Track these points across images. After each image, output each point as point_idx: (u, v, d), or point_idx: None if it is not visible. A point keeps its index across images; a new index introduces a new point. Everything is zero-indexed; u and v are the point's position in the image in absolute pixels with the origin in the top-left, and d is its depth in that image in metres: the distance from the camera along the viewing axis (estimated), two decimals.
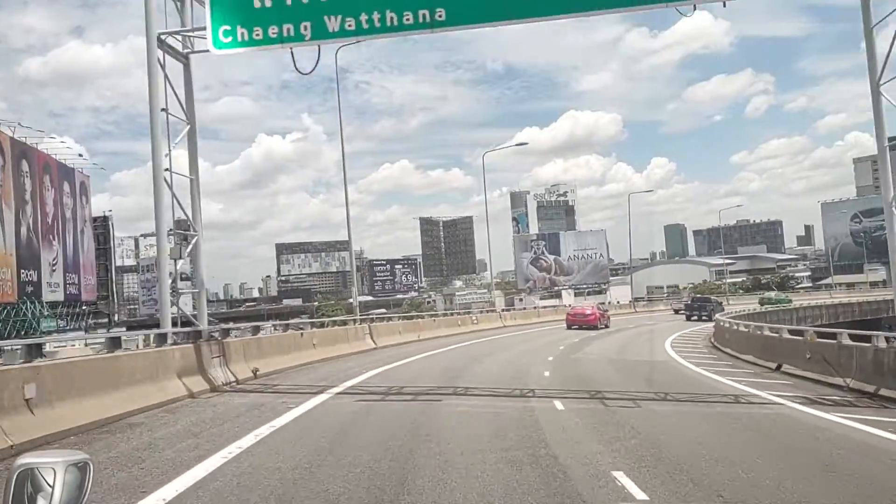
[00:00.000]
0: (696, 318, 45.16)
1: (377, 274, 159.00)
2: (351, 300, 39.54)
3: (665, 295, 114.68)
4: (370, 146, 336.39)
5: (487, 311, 40.18)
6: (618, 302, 74.56)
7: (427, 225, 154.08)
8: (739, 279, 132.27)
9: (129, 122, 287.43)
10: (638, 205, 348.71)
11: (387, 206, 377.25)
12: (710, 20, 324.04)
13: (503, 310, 41.62)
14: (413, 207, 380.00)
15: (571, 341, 29.95)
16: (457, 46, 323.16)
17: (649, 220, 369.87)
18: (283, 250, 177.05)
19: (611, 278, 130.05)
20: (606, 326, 41.06)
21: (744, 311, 41.31)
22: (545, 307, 66.34)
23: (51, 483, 1.68)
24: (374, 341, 26.66)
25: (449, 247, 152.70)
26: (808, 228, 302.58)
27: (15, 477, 1.68)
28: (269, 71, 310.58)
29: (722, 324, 25.92)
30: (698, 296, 60.96)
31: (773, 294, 75.59)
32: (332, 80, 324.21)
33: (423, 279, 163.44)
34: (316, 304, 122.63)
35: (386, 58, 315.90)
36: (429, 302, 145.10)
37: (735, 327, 23.86)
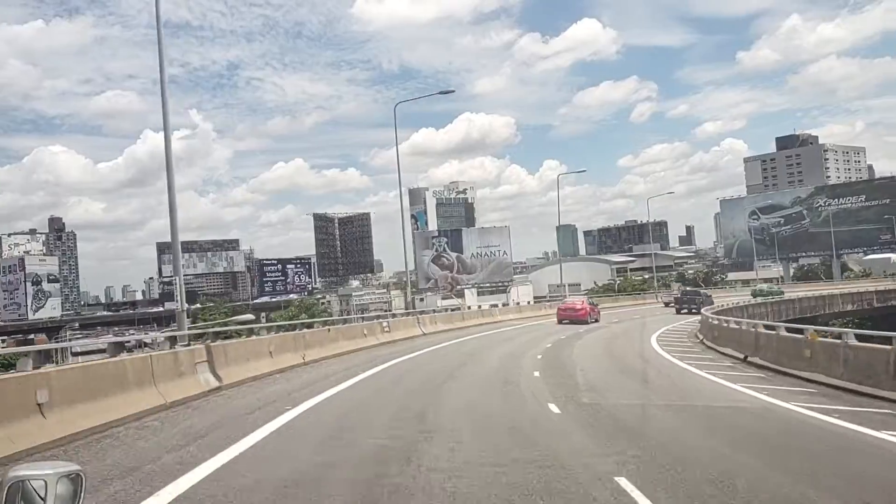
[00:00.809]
0: (685, 311, 44.55)
1: (267, 274, 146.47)
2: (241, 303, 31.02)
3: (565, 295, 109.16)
4: (263, 144, 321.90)
5: (403, 316, 30.51)
6: (528, 302, 67.76)
7: (321, 222, 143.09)
8: (639, 277, 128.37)
9: None
10: (530, 206, 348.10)
11: (281, 206, 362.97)
12: (598, 28, 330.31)
13: (421, 313, 32.28)
14: (308, 207, 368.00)
15: (546, 353, 22.07)
16: (352, 46, 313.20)
17: (539, 221, 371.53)
18: (166, 249, 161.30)
19: (514, 277, 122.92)
20: (596, 321, 40.05)
21: (723, 305, 39.58)
22: (451, 309, 57.75)
23: (43, 496, 1.61)
24: (214, 377, 14.01)
25: (345, 245, 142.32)
26: (688, 229, 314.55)
27: (6, 490, 1.60)
28: (155, 63, 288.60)
29: (710, 320, 24.81)
30: (688, 289, 59.94)
31: (765, 286, 74.80)
32: (223, 76, 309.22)
33: (318, 279, 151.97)
34: (198, 305, 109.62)
35: (279, 55, 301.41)
36: (323, 303, 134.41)
37: (725, 324, 22.69)
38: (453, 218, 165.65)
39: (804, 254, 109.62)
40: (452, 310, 47.53)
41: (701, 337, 25.22)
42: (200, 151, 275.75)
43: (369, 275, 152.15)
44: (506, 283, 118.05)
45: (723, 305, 38.72)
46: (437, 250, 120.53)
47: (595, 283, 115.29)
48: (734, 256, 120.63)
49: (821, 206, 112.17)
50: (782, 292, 65.48)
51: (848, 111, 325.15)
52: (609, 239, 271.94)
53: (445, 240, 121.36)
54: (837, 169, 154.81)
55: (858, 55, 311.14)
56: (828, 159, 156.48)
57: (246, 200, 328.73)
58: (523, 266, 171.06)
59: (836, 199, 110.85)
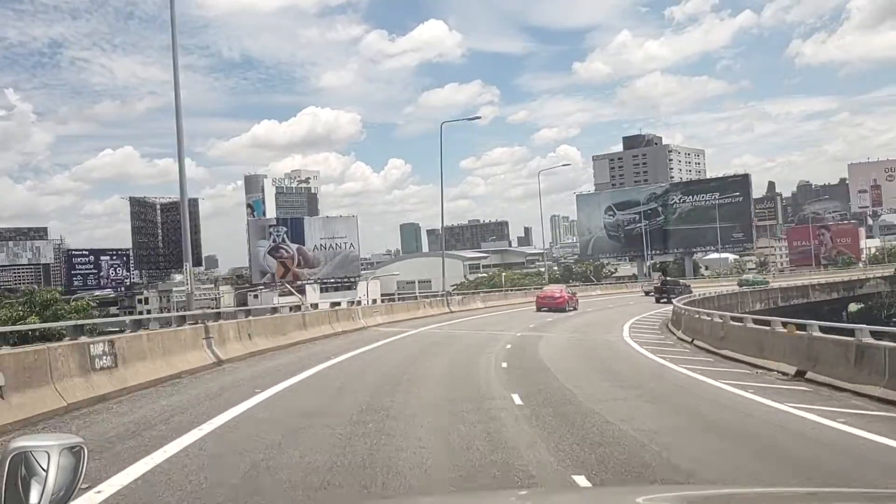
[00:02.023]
0: (665, 300, 43.69)
1: (77, 267, 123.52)
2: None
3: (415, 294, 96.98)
4: (89, 129, 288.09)
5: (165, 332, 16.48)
6: (374, 301, 55.45)
7: (140, 207, 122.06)
8: (485, 273, 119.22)
9: None
10: (374, 204, 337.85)
11: (107, 196, 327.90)
12: (444, 31, 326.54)
13: (274, 310, 19.41)
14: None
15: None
16: (190, 30, 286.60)
17: (383, 219, 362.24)
18: None
19: (362, 272, 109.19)
20: (574, 309, 40.62)
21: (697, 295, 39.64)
22: (291, 307, 43.80)
23: (45, 467, 1.59)
24: None
25: (168, 235, 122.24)
26: (527, 230, 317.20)
27: (9, 460, 1.58)
28: None
29: (679, 310, 24.98)
30: (668, 279, 58.05)
31: (750, 276, 74.96)
32: (44, 54, 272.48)
33: (138, 273, 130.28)
34: None
35: (108, 35, 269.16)
36: (140, 300, 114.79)
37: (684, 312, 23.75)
38: (294, 209, 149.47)
39: (658, 251, 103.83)
40: (292, 308, 33.37)
41: (670, 326, 25.88)
42: (17, 135, 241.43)
43: (198, 268, 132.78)
44: (353, 279, 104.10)
45: (699, 295, 39.06)
46: (274, 240, 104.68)
47: (466, 278, 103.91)
48: (590, 253, 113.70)
49: (675, 202, 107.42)
50: (767, 282, 65.82)
51: (668, 125, 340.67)
52: (452, 238, 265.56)
53: (285, 229, 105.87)
54: (681, 170, 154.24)
55: (679, 73, 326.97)
56: (672, 160, 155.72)
57: (68, 189, 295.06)
58: (368, 262, 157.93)
59: (691, 196, 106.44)
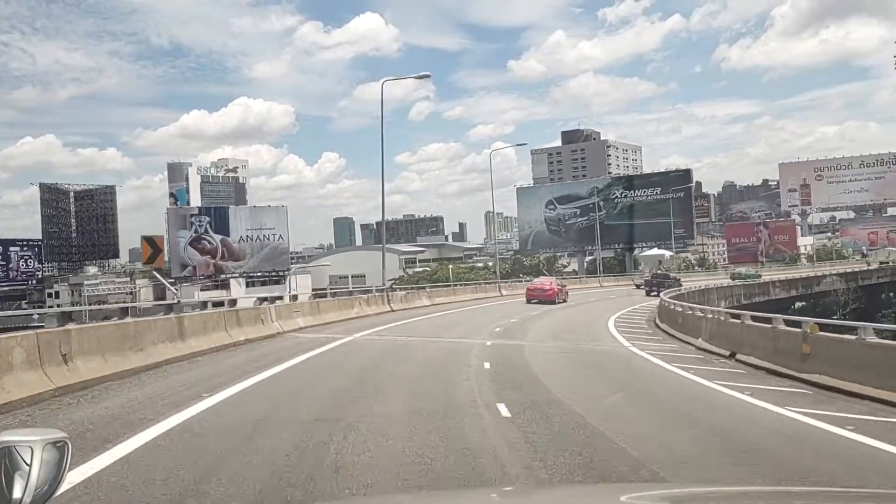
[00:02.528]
0: (655, 293, 43.09)
1: None
2: None
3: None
4: (7, 116, 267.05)
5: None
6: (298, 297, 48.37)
7: (52, 195, 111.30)
8: (423, 268, 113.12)
9: None
10: (307, 197, 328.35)
11: (26, 186, 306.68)
12: (381, 24, 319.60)
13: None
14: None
15: None
16: (116, 15, 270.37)
17: (317, 213, 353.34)
18: None
19: (292, 266, 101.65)
20: (564, 301, 41.06)
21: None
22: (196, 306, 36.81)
23: (28, 462, 1.58)
24: None
25: (82, 225, 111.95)
26: (461, 226, 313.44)
27: None
28: None
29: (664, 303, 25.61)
30: (658, 272, 58.61)
31: (743, 269, 75.98)
32: None
33: (50, 265, 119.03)
34: None
35: (29, 19, 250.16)
36: (50, 294, 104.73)
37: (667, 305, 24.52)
38: (221, 199, 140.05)
39: (596, 247, 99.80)
40: (202, 305, 26.36)
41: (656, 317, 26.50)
42: None
43: (114, 260, 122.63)
44: (282, 273, 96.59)
45: (688, 289, 38.84)
46: (196, 231, 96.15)
47: (405, 272, 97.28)
48: (530, 248, 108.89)
49: (617, 197, 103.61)
50: (759, 276, 66.93)
51: (600, 124, 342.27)
52: (387, 232, 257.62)
53: (208, 219, 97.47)
54: (618, 165, 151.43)
55: (611, 74, 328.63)
56: (610, 155, 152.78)
57: None
58: (300, 256, 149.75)
59: (633, 191, 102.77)
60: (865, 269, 67.95)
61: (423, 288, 44.99)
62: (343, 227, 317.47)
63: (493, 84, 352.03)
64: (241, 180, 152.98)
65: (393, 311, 32.16)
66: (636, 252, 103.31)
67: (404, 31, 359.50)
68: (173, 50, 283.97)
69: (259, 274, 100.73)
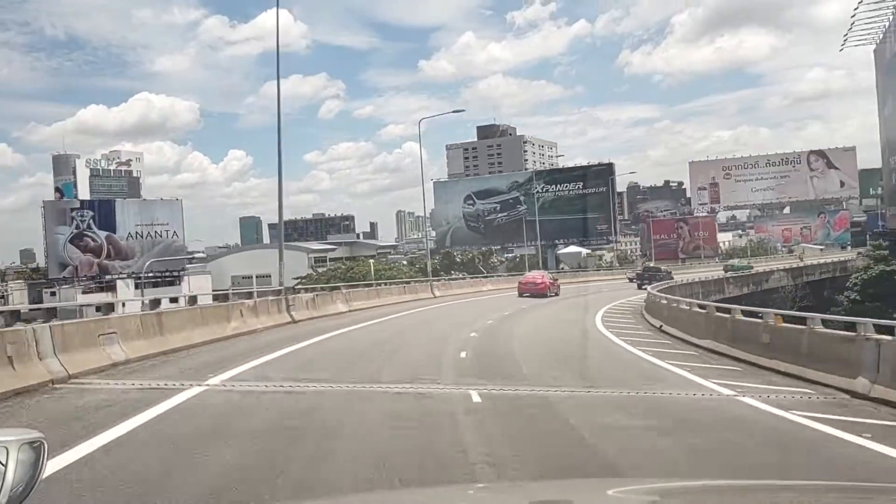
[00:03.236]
0: (646, 286, 40.32)
1: None
2: None
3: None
4: None
5: None
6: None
7: None
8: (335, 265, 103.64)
9: None
10: (212, 196, 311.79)
11: None
12: (289, 20, 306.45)
13: None
14: None
15: None
16: (6, 4, 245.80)
17: (222, 212, 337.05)
18: None
19: (188, 265, 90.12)
20: (556, 294, 40.43)
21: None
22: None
23: (3, 462, 1.55)
24: None
25: None
26: (372, 225, 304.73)
27: None
28: None
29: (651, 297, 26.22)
30: (650, 265, 61.50)
31: (736, 261, 76.92)
32: None
33: None
34: None
35: None
36: None
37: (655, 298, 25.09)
38: (113, 194, 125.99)
39: (518, 244, 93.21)
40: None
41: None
42: None
43: None
44: (177, 273, 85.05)
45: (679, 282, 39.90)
46: (78, 227, 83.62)
47: (315, 271, 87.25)
48: (448, 245, 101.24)
49: (538, 192, 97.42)
50: (751, 267, 67.59)
51: (504, 133, 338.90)
52: (296, 231, 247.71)
53: (91, 213, 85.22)
54: (534, 162, 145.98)
55: (520, 76, 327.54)
56: (527, 151, 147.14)
57: None
58: (200, 255, 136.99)
59: (555, 185, 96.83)
60: (809, 265, 66.74)
61: (338, 289, 34.58)
62: (250, 226, 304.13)
63: (403, 84, 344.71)
64: (135, 174, 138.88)
65: (295, 322, 23.04)
66: (558, 249, 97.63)
67: (313, 28, 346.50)
68: (69, 41, 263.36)
69: (150, 274, 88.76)
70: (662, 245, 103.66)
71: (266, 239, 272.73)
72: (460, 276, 50.65)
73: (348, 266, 69.88)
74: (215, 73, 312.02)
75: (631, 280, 55.40)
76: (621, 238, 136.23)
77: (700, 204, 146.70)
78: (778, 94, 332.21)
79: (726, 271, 61.05)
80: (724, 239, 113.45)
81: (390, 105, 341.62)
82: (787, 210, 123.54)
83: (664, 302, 22.20)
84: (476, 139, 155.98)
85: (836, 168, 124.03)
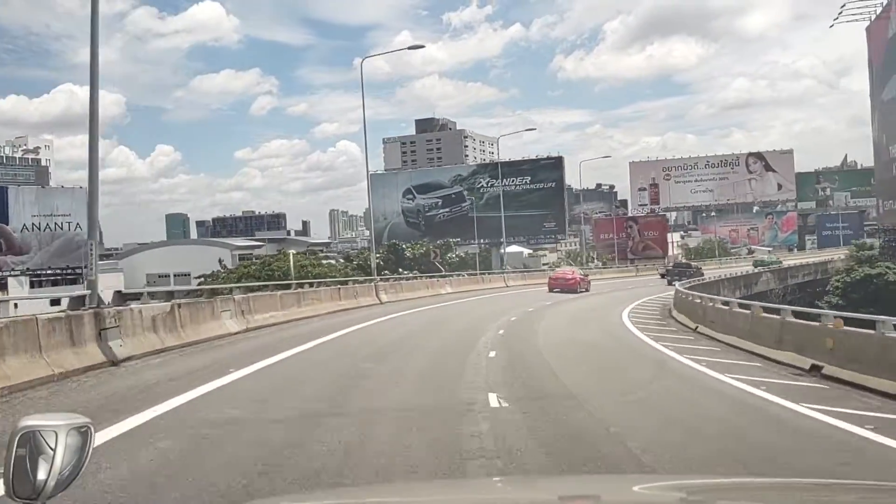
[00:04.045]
0: (676, 282, 38.36)
1: None
2: None
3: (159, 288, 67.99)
4: None
5: None
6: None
7: None
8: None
9: None
10: (138, 192, 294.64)
11: None
12: (222, 14, 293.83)
13: None
14: None
15: None
16: None
17: (148, 209, 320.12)
18: None
19: (101, 262, 77.34)
20: (587, 290, 39.39)
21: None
22: None
23: (52, 446, 1.58)
24: None
25: None
26: (304, 224, 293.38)
27: (17, 439, 1.58)
28: None
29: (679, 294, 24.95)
30: (681, 261, 63.12)
31: (766, 257, 77.45)
32: None
33: None
34: None
35: None
36: None
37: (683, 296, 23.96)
38: (18, 185, 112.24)
39: (463, 241, 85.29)
40: None
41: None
42: None
43: None
44: (80, 270, 73.59)
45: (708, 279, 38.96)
46: None
47: (229, 267, 76.28)
48: (385, 243, 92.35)
49: (483, 186, 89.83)
50: (780, 261, 67.83)
51: (444, 127, 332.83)
52: (224, 229, 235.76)
53: None
54: (475, 157, 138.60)
55: (456, 77, 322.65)
56: (467, 146, 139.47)
57: None
58: (116, 251, 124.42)
59: (501, 180, 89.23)
60: (794, 266, 63.42)
61: (229, 297, 19.40)
62: (177, 223, 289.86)
63: (338, 81, 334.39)
64: (43, 163, 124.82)
65: (115, 364, 12.03)
66: (503, 248, 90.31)
67: (246, 23, 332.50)
68: None
69: (49, 271, 77.09)
70: (611, 245, 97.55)
71: (193, 236, 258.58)
72: (411, 275, 41.37)
73: (264, 261, 57.54)
74: (143, 66, 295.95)
75: (662, 276, 54.60)
76: (562, 237, 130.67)
77: (640, 205, 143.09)
78: (704, 102, 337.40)
79: (756, 266, 62.00)
80: (674, 239, 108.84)
81: (325, 103, 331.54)
82: (733, 211, 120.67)
83: (699, 301, 20.24)
84: (415, 133, 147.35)
85: (774, 171, 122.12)
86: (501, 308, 26.39)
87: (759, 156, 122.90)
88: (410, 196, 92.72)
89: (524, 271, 62.54)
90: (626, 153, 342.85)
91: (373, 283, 31.79)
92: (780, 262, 66.08)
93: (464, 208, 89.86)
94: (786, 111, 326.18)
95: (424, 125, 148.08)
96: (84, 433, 1.63)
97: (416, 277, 33.79)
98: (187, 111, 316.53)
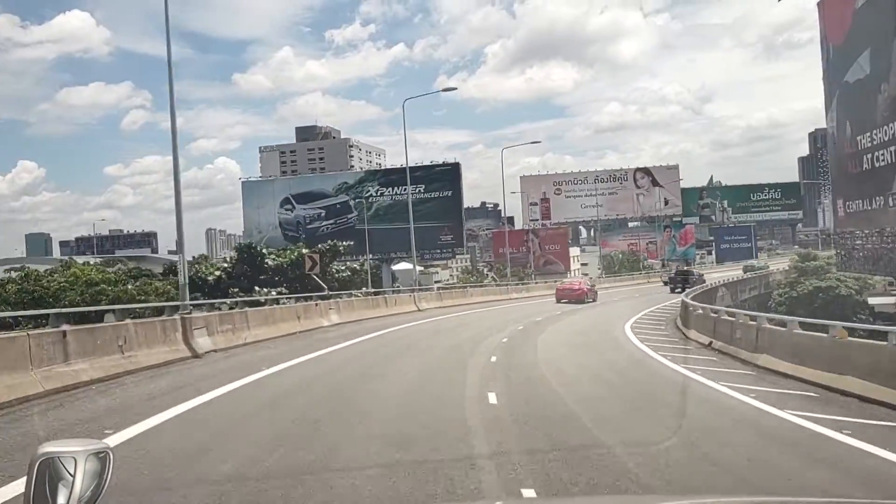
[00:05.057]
0: (679, 289, 40.03)
1: None
2: None
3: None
4: None
5: None
6: None
7: None
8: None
9: None
10: None
11: None
12: (91, 24, 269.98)
13: None
14: None
15: None
16: None
17: (8, 229, 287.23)
18: None
19: None
20: (594, 300, 38.71)
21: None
22: None
23: (72, 472, 1.56)
24: None
25: None
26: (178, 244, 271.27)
27: (37, 466, 1.55)
28: None
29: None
30: (684, 268, 58.70)
31: (755, 262, 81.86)
32: None
33: None
34: None
35: None
36: None
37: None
38: None
39: (351, 258, 73.06)
40: None
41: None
42: None
43: None
44: None
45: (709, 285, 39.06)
46: None
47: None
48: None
49: (372, 195, 78.29)
50: (768, 266, 70.93)
51: (327, 136, 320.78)
52: (89, 249, 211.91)
53: None
54: (362, 168, 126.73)
55: (339, 95, 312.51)
56: (353, 156, 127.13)
57: None
58: None
59: (391, 188, 78.10)
60: (742, 279, 58.42)
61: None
62: (38, 243, 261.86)
63: (216, 97, 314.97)
64: None
65: None
66: (394, 264, 78.88)
67: (117, 34, 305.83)
68: None
69: None
70: (511, 259, 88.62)
71: (57, 256, 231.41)
72: (270, 294, 27.25)
73: (58, 283, 38.90)
74: (3, 77, 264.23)
75: (665, 283, 53.54)
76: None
77: (531, 220, 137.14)
78: (581, 125, 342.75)
79: (745, 272, 63.08)
80: (574, 253, 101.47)
81: (201, 118, 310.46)
82: (633, 224, 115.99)
83: (713, 315, 17.52)
84: (295, 141, 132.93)
85: (661, 186, 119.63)
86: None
87: (646, 171, 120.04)
88: (289, 206, 79.63)
89: (447, 288, 52.87)
90: (507, 173, 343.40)
91: (162, 322, 14.44)
92: (768, 267, 68.84)
93: (350, 220, 77.85)
94: (655, 134, 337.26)
95: (306, 133, 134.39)
96: (102, 459, 1.58)
97: (275, 302, 20.75)
98: (53, 125, 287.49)
